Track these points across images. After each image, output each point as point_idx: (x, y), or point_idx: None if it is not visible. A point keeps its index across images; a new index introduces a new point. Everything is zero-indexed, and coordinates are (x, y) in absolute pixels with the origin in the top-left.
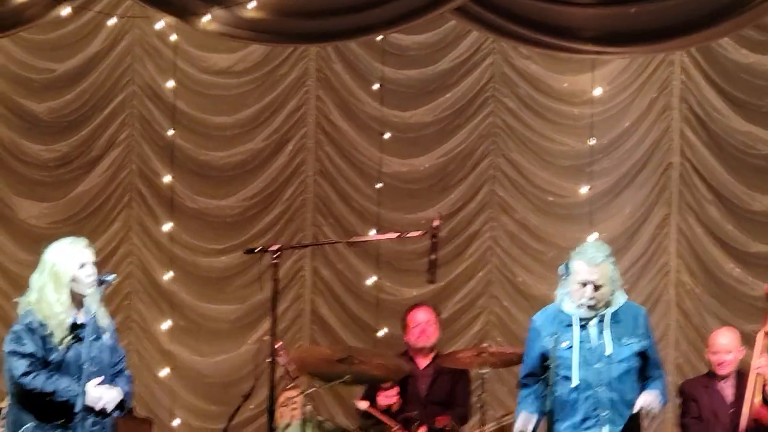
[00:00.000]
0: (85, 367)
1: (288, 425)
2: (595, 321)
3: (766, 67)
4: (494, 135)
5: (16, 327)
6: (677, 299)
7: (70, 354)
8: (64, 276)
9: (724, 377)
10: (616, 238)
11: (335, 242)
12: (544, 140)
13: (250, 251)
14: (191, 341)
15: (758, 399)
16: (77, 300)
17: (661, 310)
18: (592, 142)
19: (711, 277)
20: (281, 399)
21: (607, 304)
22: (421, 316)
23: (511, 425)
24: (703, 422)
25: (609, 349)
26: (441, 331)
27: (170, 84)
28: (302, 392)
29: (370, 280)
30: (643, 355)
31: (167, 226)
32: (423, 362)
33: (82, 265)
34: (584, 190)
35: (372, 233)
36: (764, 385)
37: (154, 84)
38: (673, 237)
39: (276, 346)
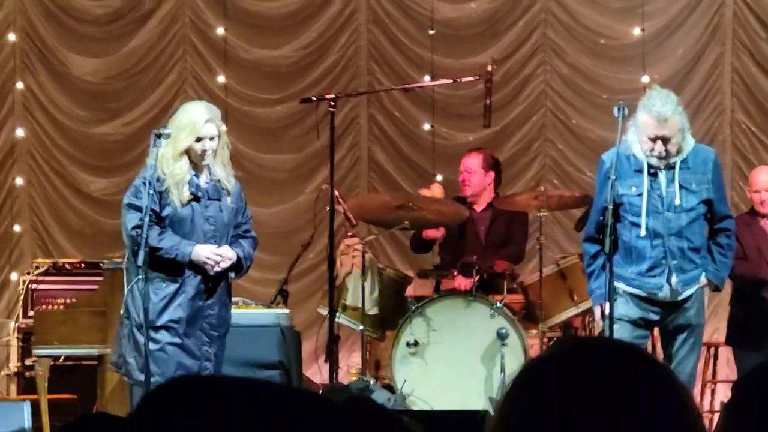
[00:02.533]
0: (197, 224)
1: (348, 273)
2: (665, 169)
3: None
4: None
5: (136, 180)
6: (733, 138)
7: (185, 211)
8: (182, 140)
9: (765, 215)
10: (669, 80)
11: (390, 89)
12: None
13: (306, 100)
14: (248, 191)
15: None
16: (198, 162)
17: (716, 149)
18: None
19: (765, 114)
20: (341, 247)
21: (678, 151)
22: (466, 164)
23: (569, 267)
24: (749, 261)
25: (678, 199)
26: (496, 175)
27: None
28: (362, 239)
29: (426, 126)
30: (708, 202)
31: (221, 78)
32: (480, 206)
33: (199, 139)
34: (636, 31)
35: (426, 79)
36: None
37: None
38: (728, 76)
39: (334, 194)
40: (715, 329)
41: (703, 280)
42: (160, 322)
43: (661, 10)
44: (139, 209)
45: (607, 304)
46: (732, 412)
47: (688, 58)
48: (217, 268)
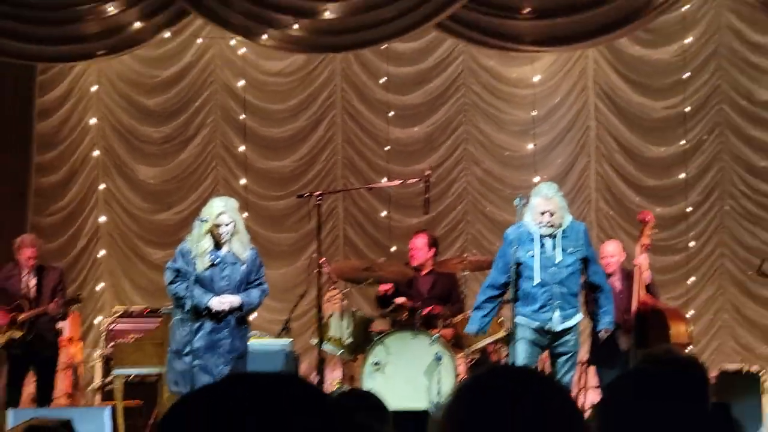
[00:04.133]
0: (216, 283)
1: (331, 315)
2: (549, 237)
3: (652, 57)
4: (465, 110)
5: (177, 250)
6: (597, 221)
7: (206, 274)
8: (206, 224)
9: (611, 274)
10: (553, 179)
11: (358, 188)
12: (500, 113)
13: (300, 196)
14: (264, 258)
15: (643, 289)
16: (218, 239)
17: (588, 235)
18: (534, 113)
19: (619, 204)
20: (326, 297)
21: (559, 226)
22: (414, 243)
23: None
24: None
25: (559, 258)
26: (436, 249)
27: (241, 83)
28: (340, 292)
29: (384, 213)
30: (584, 260)
31: (243, 181)
32: (424, 271)
33: (217, 225)
34: (530, 146)
35: (384, 181)
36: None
37: (230, 83)
38: (593, 177)
39: (320, 261)
40: (587, 350)
41: (602, 332)
42: (186, 350)
43: (546, 131)
44: (171, 270)
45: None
46: (602, 410)
47: (565, 164)
48: (221, 308)
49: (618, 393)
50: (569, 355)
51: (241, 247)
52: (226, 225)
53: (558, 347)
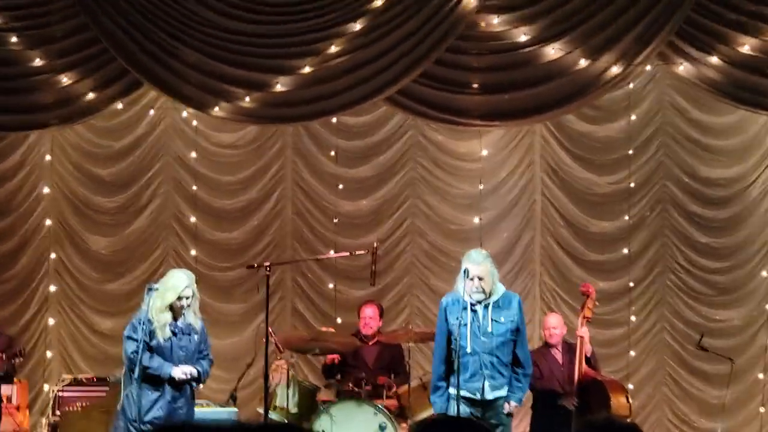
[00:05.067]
0: (174, 352)
1: (278, 384)
2: (481, 306)
3: (597, 134)
4: (413, 184)
5: (134, 320)
6: (541, 294)
7: (166, 344)
8: (168, 297)
9: (553, 346)
10: (499, 253)
11: (306, 260)
12: (447, 186)
13: (250, 267)
14: (211, 329)
15: (584, 361)
16: (177, 311)
17: (529, 301)
18: (481, 187)
19: (563, 278)
20: (273, 366)
21: (491, 294)
22: (367, 312)
23: (428, 381)
24: (544, 379)
25: (490, 328)
26: (382, 319)
27: (193, 155)
28: (287, 361)
29: (330, 285)
30: (516, 331)
31: (193, 252)
32: (371, 341)
33: (180, 298)
34: (476, 220)
35: (331, 253)
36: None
37: (182, 154)
38: (538, 251)
39: (268, 331)
40: (527, 425)
41: (506, 403)
42: (147, 418)
43: (492, 205)
44: (134, 340)
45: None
46: None
47: (511, 238)
48: (183, 378)
49: None
50: (501, 428)
51: (195, 318)
52: (187, 298)
53: (490, 418)
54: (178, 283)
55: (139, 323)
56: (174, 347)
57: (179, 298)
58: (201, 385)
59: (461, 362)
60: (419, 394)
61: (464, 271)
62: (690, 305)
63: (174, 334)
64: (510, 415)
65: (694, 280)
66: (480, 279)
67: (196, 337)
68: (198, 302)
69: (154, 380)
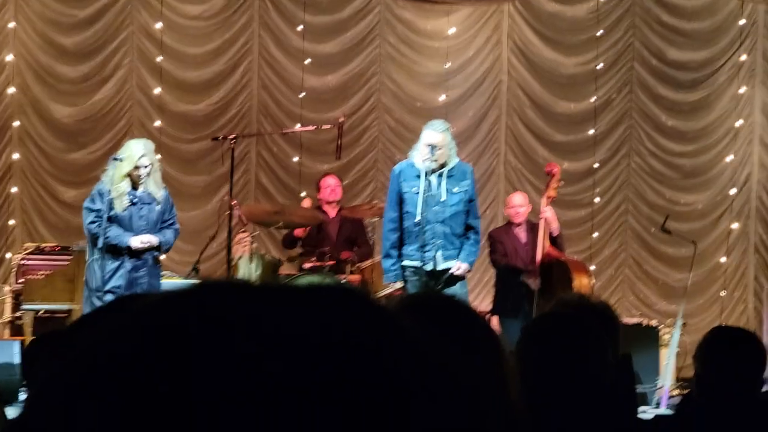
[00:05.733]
0: (134, 222)
1: (240, 257)
2: (435, 175)
3: (566, 14)
4: (380, 61)
5: (94, 191)
6: (505, 173)
7: (125, 213)
8: (125, 166)
9: (517, 225)
10: (464, 132)
11: (271, 133)
12: (414, 64)
13: (215, 139)
14: (175, 201)
15: (547, 240)
16: (136, 180)
17: (493, 181)
18: (447, 65)
19: (528, 158)
20: (236, 239)
21: (444, 165)
22: (331, 181)
23: None
24: (507, 257)
25: (444, 197)
26: (343, 193)
27: (158, 25)
28: (250, 234)
29: (296, 158)
30: (469, 201)
31: (157, 123)
32: (332, 213)
33: (137, 167)
34: (442, 98)
35: (297, 126)
36: (549, 230)
37: (147, 25)
38: (503, 130)
39: (232, 204)
40: (489, 302)
41: (457, 263)
42: (107, 287)
43: (459, 84)
44: (93, 211)
45: (398, 283)
46: (519, 353)
47: (476, 117)
48: (141, 247)
49: (533, 335)
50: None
51: (156, 188)
52: (145, 167)
53: (443, 290)
54: (134, 151)
55: (99, 194)
56: (134, 217)
57: (136, 168)
58: (163, 255)
59: (413, 231)
60: (381, 269)
61: (422, 139)
62: (654, 188)
63: (133, 203)
64: (462, 280)
65: (660, 163)
66: (437, 148)
67: (157, 207)
68: (160, 173)
69: (114, 250)
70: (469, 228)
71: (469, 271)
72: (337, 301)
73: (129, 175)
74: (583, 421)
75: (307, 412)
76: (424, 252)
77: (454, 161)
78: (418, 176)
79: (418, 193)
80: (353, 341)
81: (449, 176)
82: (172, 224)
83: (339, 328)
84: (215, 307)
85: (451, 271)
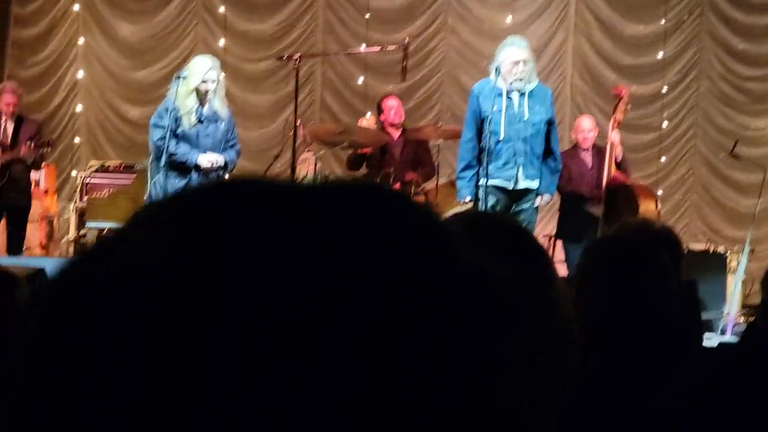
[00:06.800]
0: (201, 140)
1: (305, 177)
2: (517, 94)
3: None
4: None
5: (160, 108)
6: (571, 96)
7: (192, 131)
8: (192, 81)
9: (586, 149)
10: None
11: (336, 53)
12: None
13: (280, 58)
14: (238, 120)
15: (613, 165)
16: (203, 97)
17: (560, 104)
18: None
19: (595, 81)
20: (300, 159)
21: (528, 81)
22: (393, 102)
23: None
24: (573, 182)
25: (526, 115)
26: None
27: None
28: (314, 154)
29: (360, 80)
30: (548, 123)
31: (222, 42)
32: (395, 135)
33: (204, 81)
34: (508, 19)
35: (362, 47)
36: (615, 155)
37: None
38: (569, 52)
39: (296, 124)
40: (553, 226)
41: (541, 198)
42: None
43: (525, 5)
44: (160, 127)
45: (468, 199)
46: (578, 274)
47: (543, 39)
48: (209, 166)
49: (594, 258)
50: (526, 223)
51: (221, 106)
52: (213, 82)
53: (517, 213)
54: (201, 66)
55: (166, 111)
56: (200, 135)
57: (204, 81)
58: (227, 175)
59: (494, 149)
60: (448, 191)
61: (505, 57)
62: (723, 112)
63: (200, 121)
64: (535, 208)
65: (729, 87)
66: (525, 63)
67: (222, 125)
68: (224, 89)
69: (180, 168)
70: (548, 153)
71: (550, 201)
72: (383, 198)
73: (196, 90)
74: (646, 347)
75: (376, 305)
76: (506, 170)
77: (534, 82)
78: (499, 95)
79: (500, 111)
80: (410, 239)
81: (531, 96)
82: (234, 144)
83: (395, 224)
84: (274, 196)
85: (534, 204)
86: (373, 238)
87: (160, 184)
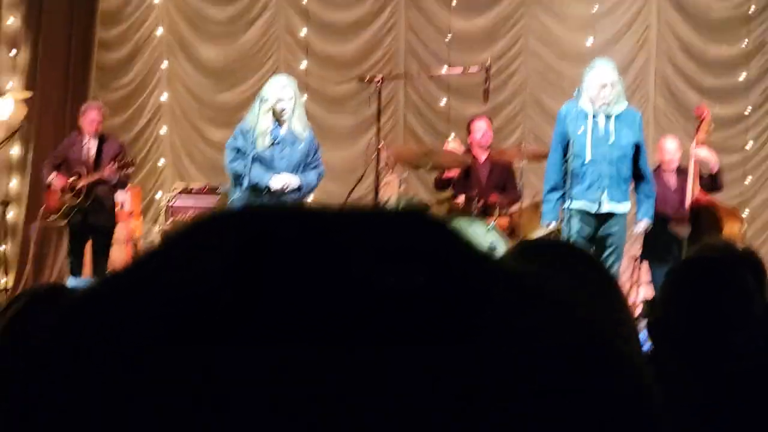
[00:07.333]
0: (276, 162)
1: (388, 200)
2: (603, 116)
3: None
4: (528, 3)
5: (236, 129)
6: (654, 118)
7: (266, 153)
8: (267, 102)
9: (670, 171)
10: None
11: (419, 75)
12: (561, 6)
13: (362, 80)
14: (322, 141)
15: (697, 185)
16: (279, 117)
17: (642, 124)
18: (596, 8)
19: (677, 103)
20: (383, 181)
21: (615, 103)
22: (483, 124)
23: (540, 201)
24: (657, 203)
25: (612, 138)
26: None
27: None
28: (398, 177)
29: (443, 101)
30: (636, 147)
31: (304, 64)
32: (482, 157)
33: (280, 100)
34: (589, 41)
35: (444, 69)
36: (700, 174)
37: None
38: (651, 75)
39: (380, 145)
40: (639, 248)
41: (641, 223)
42: None
43: (607, 27)
44: (233, 149)
45: (554, 223)
46: (662, 295)
47: (624, 61)
48: (280, 187)
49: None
50: (613, 248)
51: (300, 126)
52: (289, 99)
53: (604, 237)
54: (276, 84)
55: (241, 132)
56: (275, 157)
57: (280, 100)
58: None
59: (579, 172)
60: (531, 214)
61: (593, 79)
62: None
63: (276, 143)
64: (624, 230)
65: None
66: (612, 86)
67: (300, 146)
68: (303, 109)
69: (253, 189)
70: (640, 177)
71: (650, 226)
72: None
73: (272, 110)
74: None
75: (408, 329)
76: (591, 192)
77: (623, 104)
78: (585, 117)
79: (585, 133)
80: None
81: (617, 119)
82: (316, 166)
83: (432, 246)
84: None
85: (634, 231)
86: (411, 265)
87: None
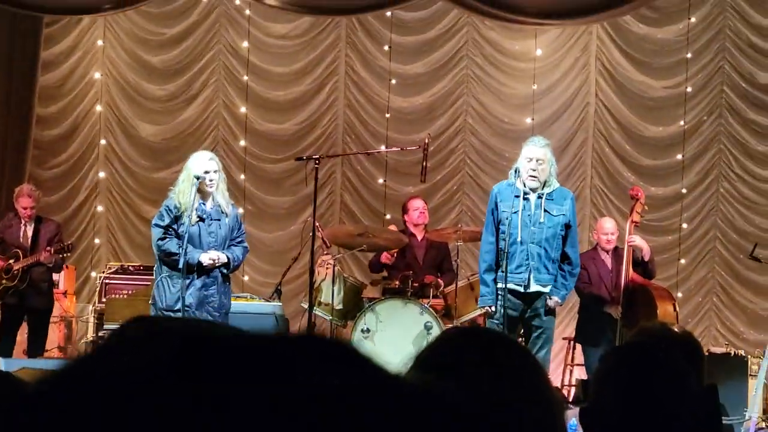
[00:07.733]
0: (203, 238)
1: (323, 280)
2: (534, 196)
3: (655, 36)
4: (467, 82)
5: (161, 207)
6: (591, 197)
7: (194, 229)
8: (191, 176)
9: (606, 251)
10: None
11: (356, 153)
12: (501, 86)
13: (300, 159)
14: (257, 221)
15: (631, 267)
16: (205, 193)
17: (579, 204)
18: (534, 87)
19: (614, 182)
20: (318, 261)
21: (545, 185)
22: (419, 204)
23: (476, 281)
24: (592, 284)
25: (542, 218)
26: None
27: (245, 44)
28: (333, 257)
29: (381, 180)
30: (566, 226)
31: (242, 142)
32: (419, 236)
33: (206, 171)
34: (528, 120)
35: (382, 147)
36: (634, 259)
37: (234, 44)
38: (589, 154)
39: (316, 225)
40: (572, 330)
41: (551, 299)
42: (176, 306)
43: (546, 106)
44: (160, 227)
45: (491, 308)
46: (596, 380)
47: (563, 140)
48: (210, 264)
49: (611, 365)
50: (541, 330)
51: (224, 201)
52: (215, 172)
53: (531, 319)
54: (202, 157)
55: (167, 210)
56: (202, 233)
57: (207, 172)
58: (242, 275)
59: (510, 251)
60: (466, 294)
61: (523, 156)
62: (743, 214)
63: (202, 219)
64: (552, 313)
65: (749, 189)
66: (539, 162)
67: (226, 221)
68: (225, 185)
69: (184, 268)
70: (565, 257)
71: (560, 304)
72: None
73: (197, 186)
74: None
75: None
76: (518, 273)
77: (554, 184)
78: (517, 196)
79: (516, 212)
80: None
81: (548, 198)
82: (241, 242)
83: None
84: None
85: (546, 304)
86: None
87: (164, 284)
